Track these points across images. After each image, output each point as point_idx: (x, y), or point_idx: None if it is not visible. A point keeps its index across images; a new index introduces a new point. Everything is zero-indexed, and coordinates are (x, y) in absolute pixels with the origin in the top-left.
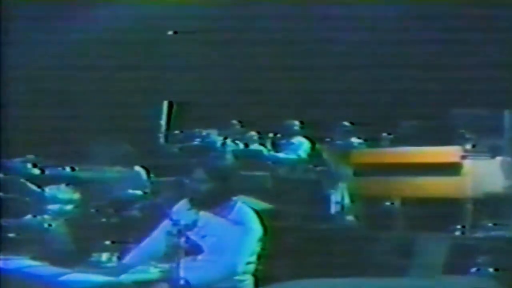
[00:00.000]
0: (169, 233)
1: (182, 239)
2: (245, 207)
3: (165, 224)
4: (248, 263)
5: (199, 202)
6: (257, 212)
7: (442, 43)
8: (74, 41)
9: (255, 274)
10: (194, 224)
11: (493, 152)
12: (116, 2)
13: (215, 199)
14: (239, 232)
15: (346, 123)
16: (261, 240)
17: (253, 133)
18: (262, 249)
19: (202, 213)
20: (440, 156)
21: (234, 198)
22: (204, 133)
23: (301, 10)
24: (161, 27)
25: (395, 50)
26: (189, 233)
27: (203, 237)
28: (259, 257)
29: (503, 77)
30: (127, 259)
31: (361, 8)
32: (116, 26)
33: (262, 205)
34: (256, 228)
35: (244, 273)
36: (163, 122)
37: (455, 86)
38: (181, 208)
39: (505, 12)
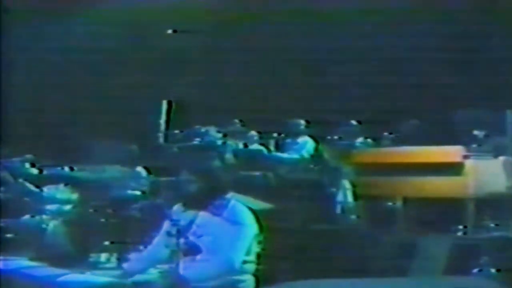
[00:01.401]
0: (168, 234)
1: (182, 240)
2: (239, 205)
3: (165, 227)
4: (247, 262)
5: (194, 202)
6: (252, 210)
7: (444, 46)
8: (73, 42)
9: (255, 274)
10: (190, 224)
11: (496, 152)
12: (116, 3)
13: (209, 199)
14: (233, 230)
15: (348, 122)
16: (256, 237)
17: (253, 132)
18: (263, 249)
19: (197, 213)
20: (442, 156)
21: (228, 196)
22: (203, 129)
23: (305, 9)
24: (161, 26)
25: (399, 52)
26: (186, 234)
27: (200, 236)
28: (259, 256)
29: (505, 78)
30: (130, 265)
31: (366, 10)
32: (116, 26)
33: (263, 205)
34: (251, 225)
35: (244, 272)
36: (162, 121)
37: (458, 86)
38: (177, 211)
39: (506, 14)
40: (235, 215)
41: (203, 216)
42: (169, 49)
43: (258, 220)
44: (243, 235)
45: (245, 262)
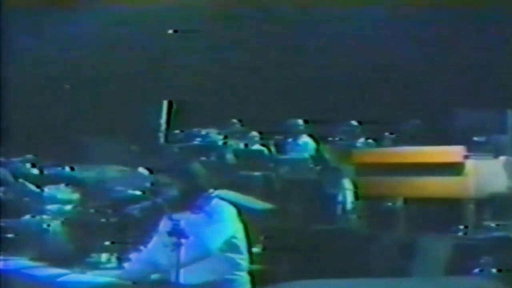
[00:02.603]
0: (167, 234)
1: (182, 240)
2: (221, 202)
3: (163, 227)
4: (241, 259)
5: (181, 203)
6: (236, 207)
7: (445, 44)
8: (73, 42)
9: (251, 273)
10: (179, 227)
11: (496, 152)
12: (116, 2)
13: (193, 198)
14: (211, 223)
15: (350, 122)
16: (239, 233)
17: (255, 133)
18: (263, 249)
19: (181, 214)
20: (442, 156)
21: (213, 194)
22: (203, 132)
23: (305, 9)
24: (162, 26)
25: (399, 51)
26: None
27: (187, 237)
28: (252, 255)
29: (506, 78)
30: (130, 265)
31: (366, 9)
32: (116, 26)
33: (264, 205)
34: (230, 221)
35: (238, 270)
36: (163, 121)
37: (459, 87)
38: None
39: (507, 14)
40: (215, 212)
41: (188, 216)
42: (170, 49)
43: (240, 216)
44: (215, 226)
45: (240, 260)
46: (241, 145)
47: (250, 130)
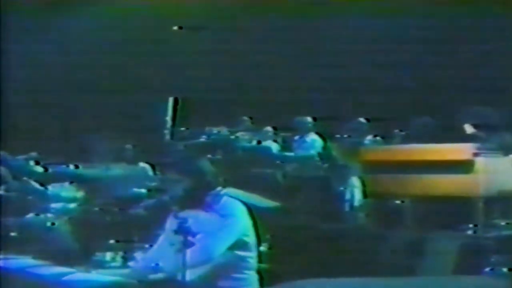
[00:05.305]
0: (174, 232)
1: (188, 238)
2: (232, 200)
3: (170, 225)
4: (248, 258)
5: (189, 201)
6: (245, 204)
7: (454, 43)
8: (75, 39)
9: (259, 272)
10: (186, 225)
11: (506, 149)
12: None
13: (202, 196)
14: (220, 222)
15: (358, 120)
16: (249, 231)
17: (269, 128)
18: (269, 247)
19: (190, 212)
20: (452, 153)
21: (222, 192)
22: (215, 131)
23: (313, 7)
24: (168, 23)
25: (408, 48)
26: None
27: (195, 235)
28: (260, 253)
29: None
30: (135, 263)
31: (374, 6)
32: (121, 24)
33: (270, 203)
34: (242, 219)
35: (247, 269)
36: (168, 118)
37: (468, 84)
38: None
39: None
40: (227, 210)
41: (196, 214)
42: (175, 45)
43: (251, 214)
44: (228, 226)
45: (248, 258)
46: (254, 142)
47: (260, 128)
